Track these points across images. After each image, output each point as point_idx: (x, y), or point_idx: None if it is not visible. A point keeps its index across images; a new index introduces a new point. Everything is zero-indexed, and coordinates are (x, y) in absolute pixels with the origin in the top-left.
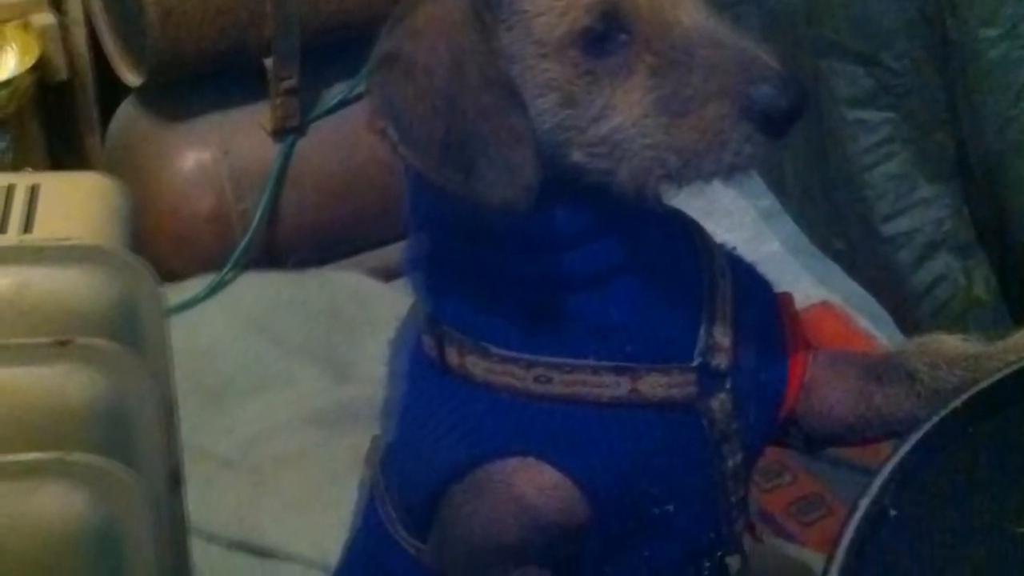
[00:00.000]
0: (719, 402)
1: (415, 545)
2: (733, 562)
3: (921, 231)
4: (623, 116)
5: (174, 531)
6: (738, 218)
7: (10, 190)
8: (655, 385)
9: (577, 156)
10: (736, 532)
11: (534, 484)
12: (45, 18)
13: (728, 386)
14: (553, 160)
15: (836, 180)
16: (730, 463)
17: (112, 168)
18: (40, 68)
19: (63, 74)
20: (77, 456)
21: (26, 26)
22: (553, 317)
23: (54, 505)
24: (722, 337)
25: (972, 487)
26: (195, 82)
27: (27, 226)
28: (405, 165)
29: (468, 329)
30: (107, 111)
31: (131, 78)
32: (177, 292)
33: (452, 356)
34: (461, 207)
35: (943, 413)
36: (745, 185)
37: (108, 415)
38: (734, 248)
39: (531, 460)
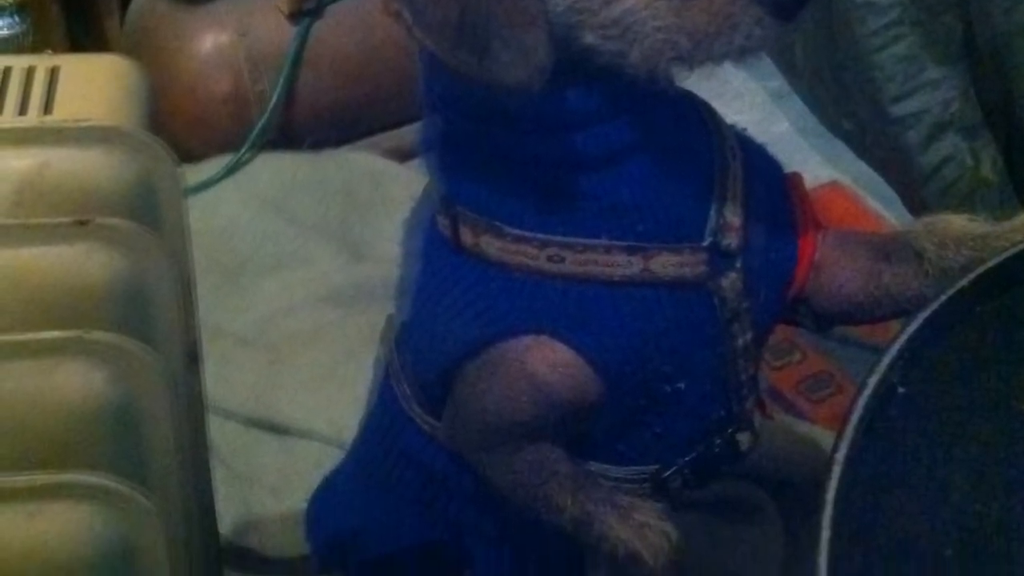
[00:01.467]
0: (730, 281)
1: (429, 422)
2: (743, 439)
3: (929, 112)
4: None
5: (191, 408)
6: (748, 99)
7: (30, 72)
8: (666, 264)
9: (589, 38)
10: (746, 409)
11: (547, 362)
12: None
13: (738, 265)
14: (566, 42)
15: (845, 62)
16: (740, 341)
17: (131, 50)
18: None
19: None
20: (96, 334)
21: None
22: (566, 197)
23: (74, 382)
24: (733, 217)
25: (979, 365)
26: None
27: (47, 107)
28: (419, 47)
29: (482, 209)
30: None
31: None
32: (195, 173)
33: (466, 236)
34: (475, 88)
35: (950, 292)
36: (755, 67)
37: (127, 294)
38: (744, 129)
39: (544, 338)
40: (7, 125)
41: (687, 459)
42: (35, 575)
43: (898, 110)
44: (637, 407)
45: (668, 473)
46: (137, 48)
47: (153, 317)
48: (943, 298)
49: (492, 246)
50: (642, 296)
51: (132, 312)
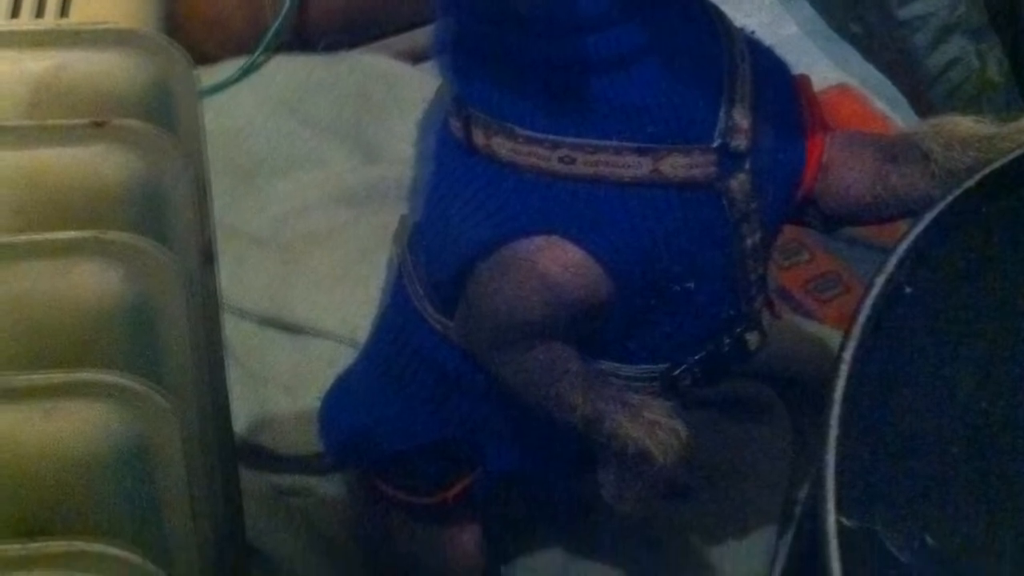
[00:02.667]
0: (738, 182)
1: (442, 322)
2: (752, 338)
3: (935, 15)
4: None
5: (207, 307)
6: (756, 2)
7: None
8: (676, 165)
9: None
10: (755, 309)
11: (558, 262)
12: None
13: (747, 167)
14: None
15: None
16: (749, 242)
17: None
18: None
19: None
20: (112, 234)
21: None
22: (577, 99)
23: (90, 282)
24: (742, 119)
25: (985, 265)
26: None
27: (63, 11)
28: None
29: (494, 111)
30: None
31: None
32: (210, 75)
33: (478, 137)
34: None
35: (957, 192)
36: None
37: (143, 194)
38: (753, 32)
39: (555, 239)
40: (24, 28)
41: (697, 358)
42: (51, 472)
43: (905, 13)
44: (647, 307)
45: (678, 372)
46: None
47: (168, 217)
48: (949, 199)
49: (504, 147)
50: (652, 197)
51: (148, 213)
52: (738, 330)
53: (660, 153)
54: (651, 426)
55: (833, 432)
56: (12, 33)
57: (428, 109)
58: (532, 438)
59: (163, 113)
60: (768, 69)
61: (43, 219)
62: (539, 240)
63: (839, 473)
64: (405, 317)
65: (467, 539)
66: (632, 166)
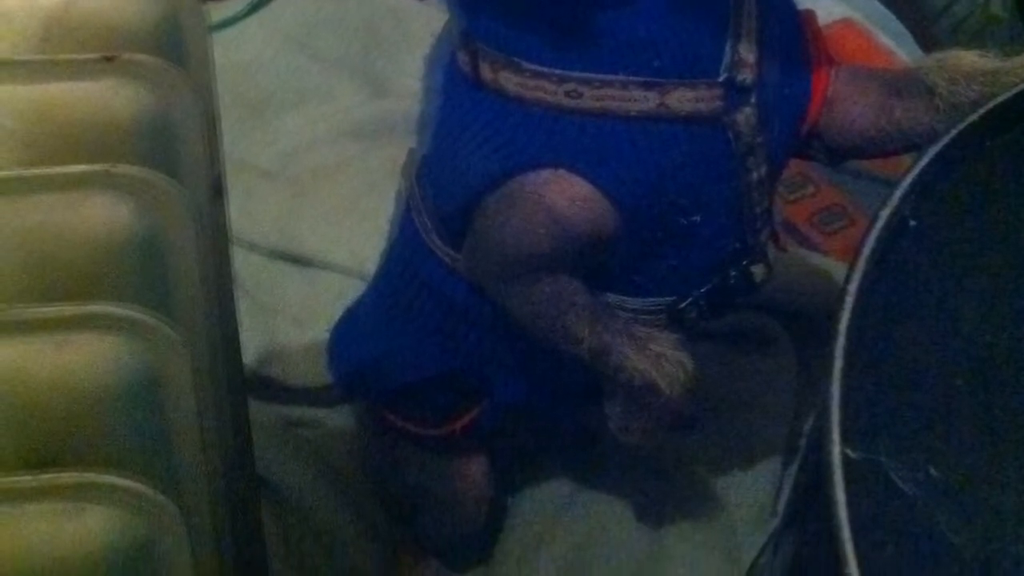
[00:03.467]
0: (744, 116)
1: (449, 254)
2: (758, 271)
3: None
4: None
5: (216, 240)
6: None
7: None
8: (682, 99)
9: None
10: (761, 242)
11: (565, 195)
12: None
13: (753, 100)
14: None
15: None
16: (755, 175)
17: None
18: None
19: None
20: (123, 168)
21: None
22: (583, 33)
23: (100, 215)
24: (747, 53)
25: (990, 198)
26: None
27: None
28: None
29: (501, 45)
30: None
31: None
32: (219, 10)
33: (486, 72)
34: None
35: (961, 126)
36: None
37: (153, 128)
38: None
39: (562, 172)
40: None
41: (703, 290)
42: (62, 404)
43: None
44: (654, 240)
45: (684, 304)
46: None
47: (178, 151)
48: (954, 132)
49: (511, 82)
50: (658, 131)
51: (158, 146)
52: (744, 263)
53: (666, 87)
54: (657, 358)
55: (838, 364)
56: None
57: (436, 44)
58: (539, 370)
59: (173, 47)
60: (773, 4)
61: (53, 153)
62: (546, 173)
63: (843, 405)
64: (413, 249)
65: (474, 470)
66: (638, 100)
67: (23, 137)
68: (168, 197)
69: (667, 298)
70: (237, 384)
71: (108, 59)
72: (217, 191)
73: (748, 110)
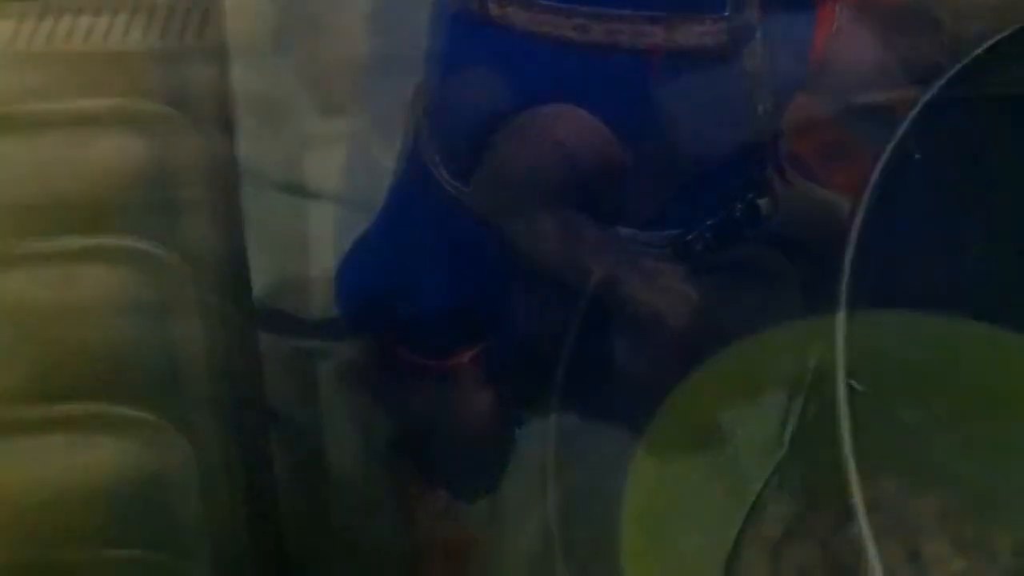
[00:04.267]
0: (750, 51)
1: (457, 187)
2: (763, 204)
3: None
4: None
5: (224, 172)
6: None
7: None
8: (689, 34)
9: None
10: (767, 176)
11: (572, 129)
12: None
13: (758, 36)
14: None
15: None
16: (760, 109)
17: None
18: None
19: None
20: (135, 101)
21: None
22: None
23: (113, 148)
24: (750, 5)
25: (992, 132)
26: None
27: None
28: None
29: None
30: None
31: None
32: None
33: (494, 7)
34: None
35: (965, 61)
36: None
37: (162, 65)
38: None
39: (570, 106)
40: None
41: (709, 223)
42: (74, 334)
43: None
44: (661, 174)
45: (691, 237)
46: None
47: (189, 88)
48: (958, 67)
49: (520, 17)
50: (665, 66)
51: (168, 82)
52: (750, 196)
53: (673, 21)
54: (664, 290)
55: (843, 298)
56: None
57: None
58: (546, 305)
59: None
60: None
61: (73, 89)
62: (554, 108)
63: (848, 339)
64: (421, 184)
65: (482, 403)
66: (646, 34)
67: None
68: (176, 128)
69: (673, 231)
70: (246, 315)
71: None
72: (226, 124)
73: (754, 45)
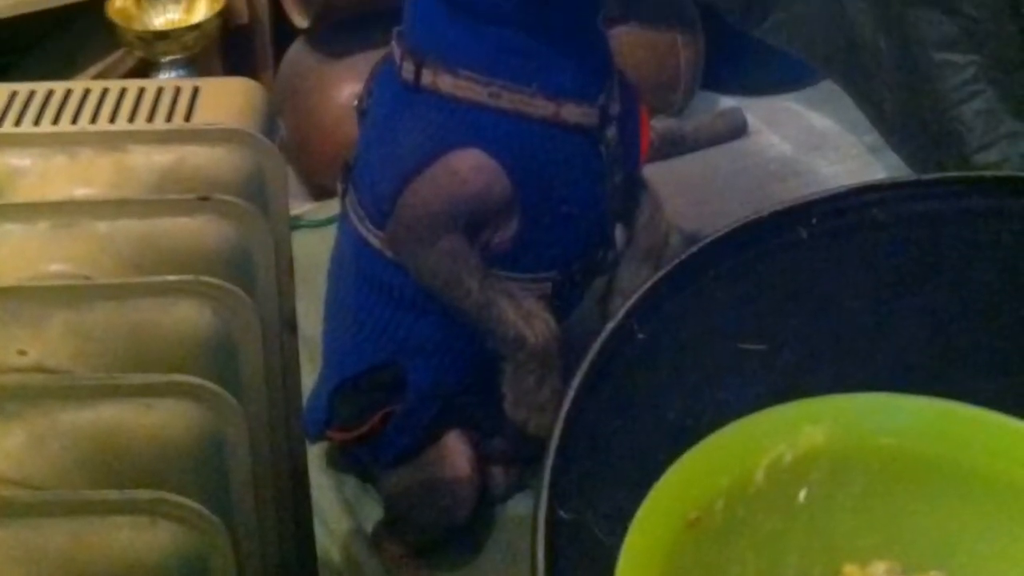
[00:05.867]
0: (611, 133)
1: (379, 236)
2: (611, 255)
3: (1009, 161)
4: None
5: (285, 339)
6: (844, 151)
7: (178, 90)
8: (571, 112)
9: None
10: (612, 233)
11: (469, 163)
12: None
13: (615, 126)
14: None
15: (929, 116)
16: (616, 179)
17: (282, 99)
18: (225, 14)
19: (244, 19)
20: (208, 279)
21: None
22: (511, 54)
23: (188, 318)
24: (614, 97)
25: (709, 315)
26: (354, 25)
27: (188, 116)
28: None
29: (446, 58)
30: (279, 50)
31: (300, 21)
32: (329, 207)
33: (427, 76)
34: None
35: (693, 250)
36: (851, 122)
37: (235, 257)
38: None
39: (475, 150)
40: (157, 128)
41: (575, 268)
42: (147, 453)
43: (980, 159)
44: (542, 224)
45: (562, 279)
46: (287, 95)
47: (254, 277)
48: (683, 256)
49: (446, 83)
50: (551, 134)
51: (238, 271)
52: (601, 250)
53: (561, 101)
54: (528, 315)
55: (554, 444)
56: (146, 133)
57: (374, 74)
58: (448, 352)
59: (258, 196)
60: (625, 85)
61: (155, 269)
62: (463, 151)
63: (559, 479)
64: (351, 245)
65: (452, 461)
66: (541, 107)
67: (133, 260)
68: (242, 306)
69: (551, 272)
70: (296, 442)
71: (203, 199)
72: (291, 326)
73: (613, 130)
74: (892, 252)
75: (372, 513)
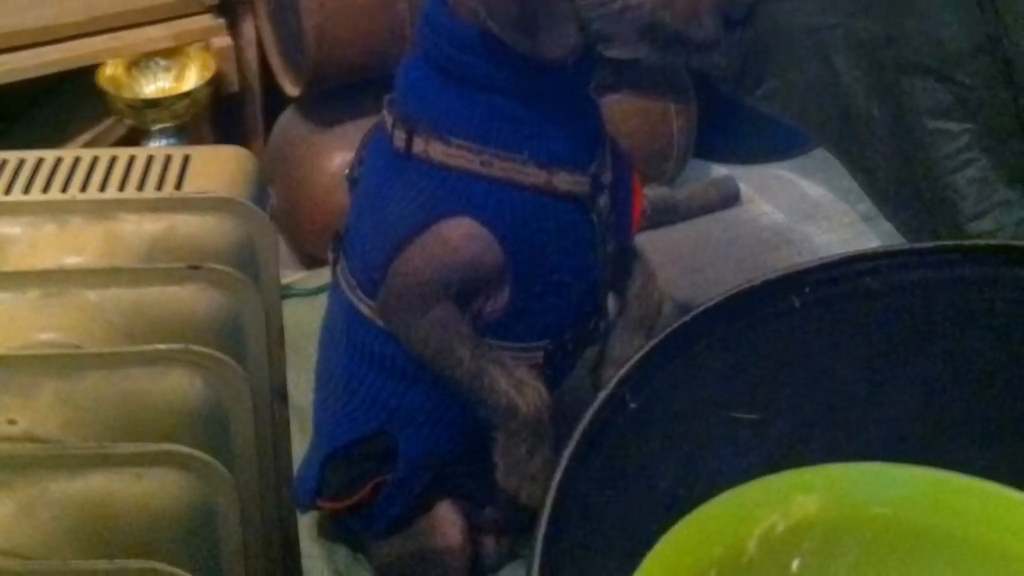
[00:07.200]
0: (603, 202)
1: (370, 305)
2: (602, 324)
3: (1003, 230)
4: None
5: (276, 426)
6: (838, 219)
7: (168, 159)
8: (564, 181)
9: (596, 25)
10: (604, 301)
11: (461, 232)
12: (223, 40)
13: (607, 194)
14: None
15: (923, 184)
16: (608, 248)
17: (273, 167)
18: (216, 82)
19: (235, 87)
20: (199, 348)
21: (207, 47)
22: (503, 121)
23: (178, 387)
24: (606, 165)
25: (700, 384)
26: (344, 93)
27: (179, 184)
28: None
29: (439, 126)
30: (270, 118)
31: (291, 90)
32: (320, 276)
33: (418, 144)
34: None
35: (685, 319)
36: (844, 190)
37: (226, 323)
38: None
39: (466, 219)
40: (148, 197)
41: (567, 336)
42: (137, 521)
43: (974, 228)
44: (533, 293)
45: (553, 347)
46: (277, 164)
47: (245, 346)
48: (675, 326)
49: (438, 151)
50: (543, 202)
51: (228, 340)
52: (593, 319)
53: (554, 170)
54: (520, 384)
55: (546, 513)
56: (137, 201)
57: (365, 142)
58: (438, 422)
59: (248, 265)
60: (618, 153)
61: (145, 339)
62: (454, 220)
63: (549, 554)
64: (341, 315)
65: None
66: (533, 175)
67: (123, 329)
68: (234, 377)
69: (543, 341)
70: (287, 511)
71: (194, 268)
72: (282, 395)
73: (605, 199)
74: (885, 321)
75: None
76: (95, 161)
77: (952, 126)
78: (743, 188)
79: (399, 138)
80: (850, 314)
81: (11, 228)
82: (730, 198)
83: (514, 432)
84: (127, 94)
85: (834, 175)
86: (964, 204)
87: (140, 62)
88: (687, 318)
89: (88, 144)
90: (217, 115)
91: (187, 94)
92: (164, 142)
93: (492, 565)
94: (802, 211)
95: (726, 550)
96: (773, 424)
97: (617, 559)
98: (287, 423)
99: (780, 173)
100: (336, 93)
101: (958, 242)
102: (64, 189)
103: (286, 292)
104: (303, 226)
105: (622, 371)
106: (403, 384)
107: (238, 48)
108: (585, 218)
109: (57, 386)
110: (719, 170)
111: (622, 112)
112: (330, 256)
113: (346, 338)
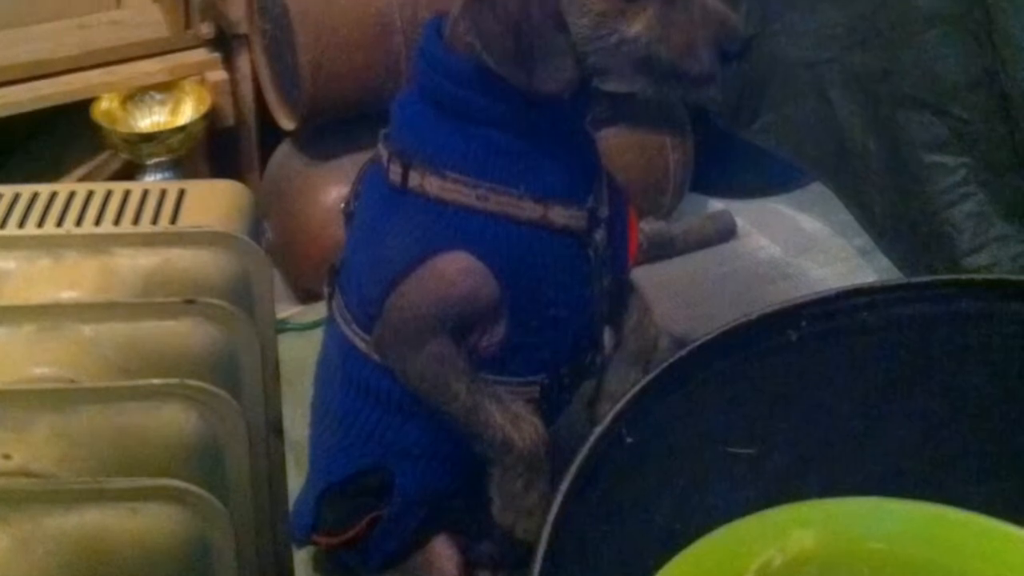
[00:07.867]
0: (600, 236)
1: (365, 339)
2: (598, 358)
3: (999, 264)
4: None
5: (271, 460)
6: (834, 254)
7: (164, 193)
8: (560, 215)
9: (592, 59)
10: (600, 336)
11: (457, 266)
12: (219, 75)
13: (604, 229)
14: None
15: (919, 218)
16: (604, 282)
17: (268, 201)
18: (211, 116)
19: (230, 121)
20: (193, 382)
21: (202, 81)
22: (499, 155)
23: (173, 421)
24: (603, 200)
25: (696, 418)
26: (340, 127)
27: (174, 219)
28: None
29: (434, 160)
30: (266, 152)
31: (287, 124)
32: (316, 311)
33: (414, 178)
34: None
35: (682, 353)
36: (841, 225)
37: (221, 358)
38: None
39: (462, 253)
40: (143, 231)
41: (564, 371)
42: (131, 556)
43: (971, 262)
44: (530, 328)
45: (550, 381)
46: (273, 198)
47: (240, 380)
48: (671, 360)
49: (434, 185)
50: (539, 236)
51: (224, 375)
52: (590, 353)
53: (550, 204)
54: (516, 418)
55: (542, 548)
56: (132, 235)
57: (361, 176)
58: (434, 457)
59: (244, 299)
60: (614, 188)
61: (141, 373)
62: (450, 254)
63: None
64: (336, 349)
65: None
66: (528, 210)
67: (118, 363)
68: (228, 408)
69: (539, 376)
70: (282, 546)
71: (189, 302)
72: (277, 430)
73: (602, 232)
74: (882, 355)
75: None
76: (90, 195)
77: (949, 160)
78: (739, 222)
79: (395, 172)
80: (847, 348)
81: (6, 262)
82: (726, 232)
83: (510, 467)
84: (122, 128)
85: (831, 209)
86: (961, 238)
87: (135, 96)
88: (683, 352)
89: (83, 178)
90: (212, 149)
91: (182, 128)
92: (159, 176)
93: None
94: (799, 245)
95: None
96: (770, 458)
97: None
98: (283, 457)
99: (776, 207)
100: (332, 127)
101: (955, 276)
102: (59, 223)
103: (281, 326)
104: (299, 260)
105: (618, 406)
106: (399, 419)
107: (233, 82)
108: (581, 252)
109: (52, 420)
110: (715, 204)
111: (618, 146)
112: (325, 290)
113: (342, 373)
